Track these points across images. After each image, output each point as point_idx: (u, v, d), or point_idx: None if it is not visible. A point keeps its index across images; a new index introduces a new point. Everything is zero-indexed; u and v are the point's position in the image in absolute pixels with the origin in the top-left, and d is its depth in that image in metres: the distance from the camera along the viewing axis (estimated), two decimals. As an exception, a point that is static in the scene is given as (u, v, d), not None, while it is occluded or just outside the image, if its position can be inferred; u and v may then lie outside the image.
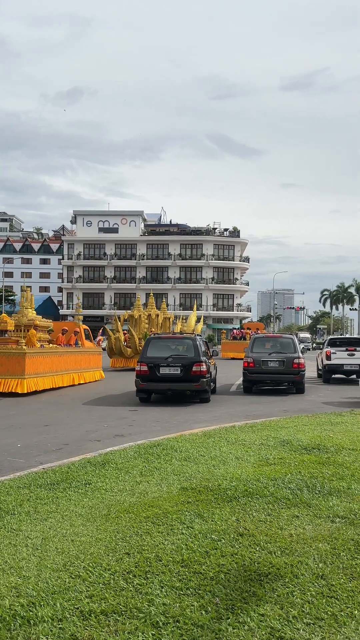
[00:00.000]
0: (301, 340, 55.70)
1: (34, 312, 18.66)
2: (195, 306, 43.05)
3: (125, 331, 29.39)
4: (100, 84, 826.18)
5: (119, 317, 30.90)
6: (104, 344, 30.33)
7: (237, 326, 69.42)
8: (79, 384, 18.88)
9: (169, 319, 32.68)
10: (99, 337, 27.34)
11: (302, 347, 21.22)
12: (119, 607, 3.14)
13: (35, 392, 15.76)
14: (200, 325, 38.66)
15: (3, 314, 18.53)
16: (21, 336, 16.79)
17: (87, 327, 22.55)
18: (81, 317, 23.22)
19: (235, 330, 44.91)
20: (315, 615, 3.06)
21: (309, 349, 50.91)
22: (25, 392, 15.22)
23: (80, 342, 20.52)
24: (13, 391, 15.13)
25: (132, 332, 28.02)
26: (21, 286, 20.00)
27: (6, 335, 17.50)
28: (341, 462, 6.44)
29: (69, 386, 18.03)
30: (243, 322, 67.82)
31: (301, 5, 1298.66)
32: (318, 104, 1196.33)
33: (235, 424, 9.76)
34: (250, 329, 41.55)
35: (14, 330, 17.71)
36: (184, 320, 35.94)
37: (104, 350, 26.93)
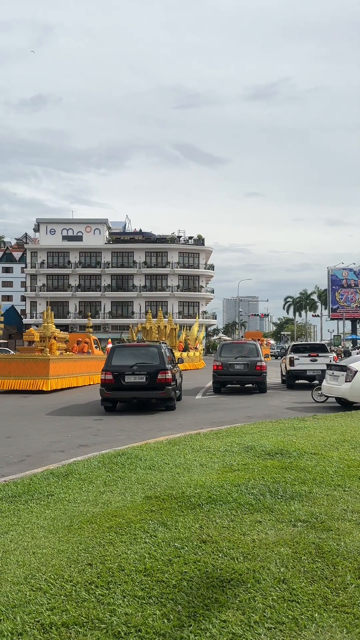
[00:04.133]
0: None
1: (54, 326, 22.65)
2: (197, 316, 46.16)
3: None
4: (64, 91, 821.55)
5: (133, 328, 36.12)
6: None
7: (187, 334, 70.93)
8: (90, 384, 22.57)
9: (175, 329, 38.15)
10: (108, 346, 29.69)
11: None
12: (80, 619, 3.10)
13: (55, 390, 19.49)
14: (202, 334, 42.55)
15: (31, 329, 22.98)
16: (45, 346, 20.66)
17: (96, 338, 27.28)
18: (91, 330, 27.31)
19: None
20: (277, 620, 3.09)
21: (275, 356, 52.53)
22: (50, 389, 19.04)
23: (90, 351, 24.89)
24: (40, 389, 18.88)
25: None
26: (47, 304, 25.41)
27: (33, 345, 21.99)
28: (303, 466, 6.52)
29: (82, 386, 21.89)
30: (209, 329, 68.52)
31: (257, 17, 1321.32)
32: (281, 114, 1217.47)
33: (200, 431, 9.78)
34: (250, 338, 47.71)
35: (39, 341, 21.61)
36: (188, 330, 40.20)
37: None
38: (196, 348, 41.47)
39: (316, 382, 20.93)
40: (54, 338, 21.70)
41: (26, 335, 22.56)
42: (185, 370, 34.28)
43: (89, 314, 33.28)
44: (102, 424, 11.63)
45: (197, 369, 37.43)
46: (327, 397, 14.86)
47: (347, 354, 30.89)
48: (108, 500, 5.33)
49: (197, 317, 47.88)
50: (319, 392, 15.13)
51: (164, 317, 40.91)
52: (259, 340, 46.39)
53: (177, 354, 35.34)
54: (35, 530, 4.56)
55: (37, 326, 67.32)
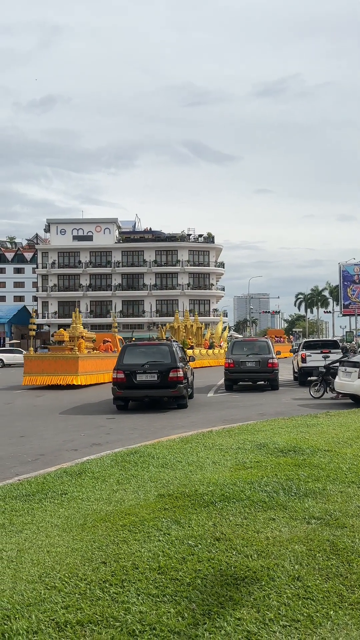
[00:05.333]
0: None
1: (82, 327, 24.42)
2: (221, 315, 48.79)
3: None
4: (72, 92, 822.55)
5: (162, 327, 38.13)
6: None
7: (212, 332, 71.27)
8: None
9: (201, 328, 40.71)
10: None
11: None
12: (95, 617, 3.11)
13: (84, 386, 21.27)
14: (226, 333, 45.06)
15: (61, 329, 24.55)
16: (74, 345, 22.41)
17: (121, 337, 28.64)
18: (117, 330, 28.96)
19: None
20: (292, 617, 3.07)
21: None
22: (79, 384, 20.97)
23: (116, 349, 25.79)
24: (70, 384, 20.81)
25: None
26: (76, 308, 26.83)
27: (63, 344, 23.46)
28: (317, 463, 6.49)
29: (108, 382, 21.32)
30: (225, 326, 69.20)
31: (265, 13, 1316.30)
32: (291, 110, 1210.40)
33: (212, 428, 9.77)
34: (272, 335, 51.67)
35: (68, 341, 23.26)
36: (213, 328, 44.44)
37: None
38: (220, 345, 43.43)
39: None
40: (82, 337, 23.37)
41: (56, 336, 24.07)
42: (210, 366, 35.34)
43: (114, 314, 35.07)
44: (115, 423, 11.66)
45: (221, 365, 38.10)
46: (324, 392, 15.50)
47: (345, 350, 30.53)
48: (121, 499, 5.34)
49: (221, 316, 51.11)
50: (316, 387, 15.80)
51: (190, 316, 43.53)
52: (281, 337, 49.06)
53: (202, 351, 36.42)
54: (49, 528, 4.58)
55: (48, 326, 67.71)
